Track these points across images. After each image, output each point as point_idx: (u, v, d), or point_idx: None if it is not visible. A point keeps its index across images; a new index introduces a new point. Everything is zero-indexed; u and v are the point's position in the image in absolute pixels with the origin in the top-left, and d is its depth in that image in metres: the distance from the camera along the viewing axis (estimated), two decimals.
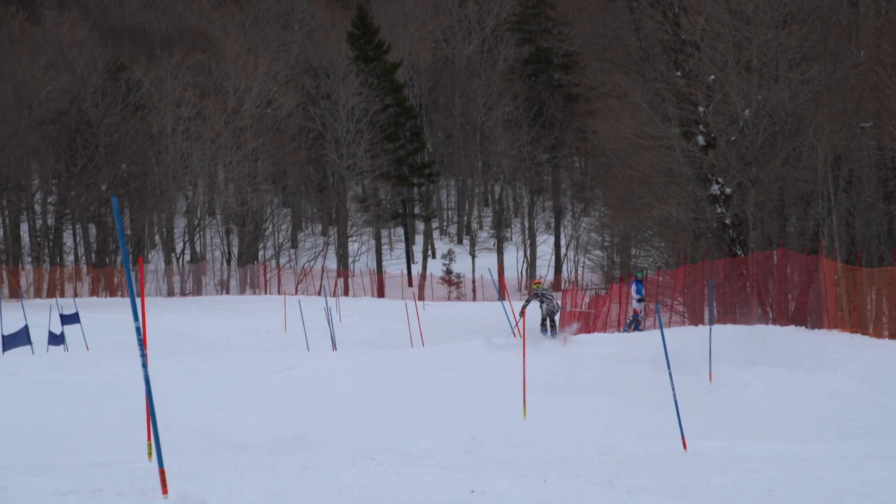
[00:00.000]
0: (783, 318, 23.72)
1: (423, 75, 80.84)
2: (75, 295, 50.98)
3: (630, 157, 33.99)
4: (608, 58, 33.25)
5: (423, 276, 67.93)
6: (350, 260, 68.21)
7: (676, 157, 29.19)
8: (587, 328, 32.52)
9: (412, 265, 75.13)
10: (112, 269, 55.08)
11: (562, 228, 77.63)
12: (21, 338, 22.47)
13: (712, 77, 28.37)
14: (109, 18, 77.92)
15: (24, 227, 60.26)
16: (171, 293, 55.62)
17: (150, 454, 8.92)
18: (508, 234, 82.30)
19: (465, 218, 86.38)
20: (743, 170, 27.88)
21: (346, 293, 62.09)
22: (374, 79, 68.00)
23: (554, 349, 18.86)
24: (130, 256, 50.48)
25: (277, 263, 65.50)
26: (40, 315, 30.65)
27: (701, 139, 28.14)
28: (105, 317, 33.07)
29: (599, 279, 60.72)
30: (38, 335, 25.31)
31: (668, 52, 28.49)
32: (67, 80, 57.08)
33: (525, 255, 73.99)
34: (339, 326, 31.81)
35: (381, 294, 63.55)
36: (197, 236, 63.22)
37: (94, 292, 53.45)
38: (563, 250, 76.63)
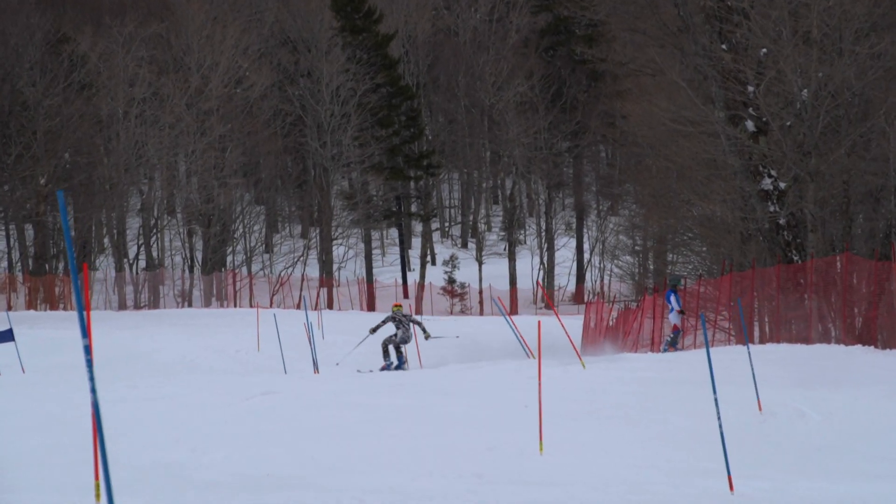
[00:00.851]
0: (848, 337, 23.71)
1: (420, 49, 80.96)
2: (9, 308, 51.03)
3: (666, 146, 34.02)
4: (640, 28, 33.24)
5: (420, 285, 67.95)
6: (335, 267, 68.29)
7: (721, 145, 29.20)
8: (616, 348, 32.52)
9: (408, 273, 75.22)
10: (52, 278, 55.20)
11: (585, 230, 77.70)
12: None
13: (764, 51, 28.41)
14: None
15: None
16: (122, 306, 55.71)
17: (97, 496, 8.93)
18: (522, 237, 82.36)
19: (471, 218, 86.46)
20: (800, 161, 27.89)
21: (329, 306, 62.13)
22: (364, 53, 68.17)
23: (578, 372, 18.87)
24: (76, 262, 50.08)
25: (249, 271, 65.58)
26: None
27: (750, 124, 28.17)
28: (44, 333, 33.09)
29: (629, 290, 60.71)
30: None
31: (711, 21, 28.51)
32: None
33: (541, 262, 74.09)
34: (322, 345, 31.76)
35: (371, 307, 63.59)
36: (154, 239, 63.35)
37: (31, 304, 53.57)
38: (586, 255, 76.68)
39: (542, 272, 73.68)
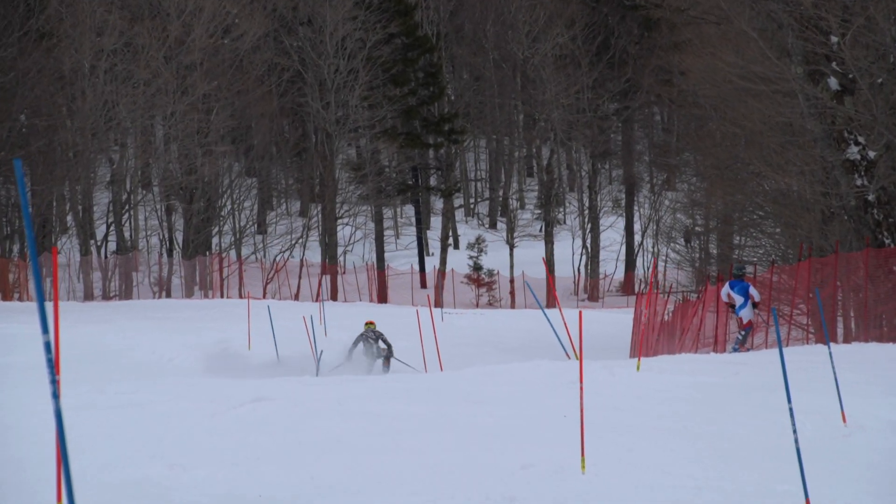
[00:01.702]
0: None
1: None
2: None
3: (732, 108, 33.89)
4: None
5: (441, 273, 68.03)
6: (340, 251, 68.41)
7: (798, 107, 29.05)
8: (670, 347, 32.50)
9: (426, 258, 75.28)
10: (6, 263, 55.38)
11: (636, 207, 77.64)
12: None
13: None
14: None
15: None
16: (89, 296, 55.94)
17: None
18: (561, 216, 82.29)
19: (501, 193, 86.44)
20: (893, 125, 27.73)
21: (333, 297, 62.26)
22: None
23: (627, 376, 18.84)
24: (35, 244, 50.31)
25: (239, 255, 65.79)
26: None
27: (833, 82, 28.00)
28: None
29: (688, 278, 60.61)
30: None
31: None
32: None
33: (584, 245, 74.03)
34: (325, 343, 31.86)
35: (382, 298, 63.73)
36: (126, 217, 63.50)
37: None
38: (637, 238, 76.57)
39: (584, 257, 73.63)
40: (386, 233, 76.95)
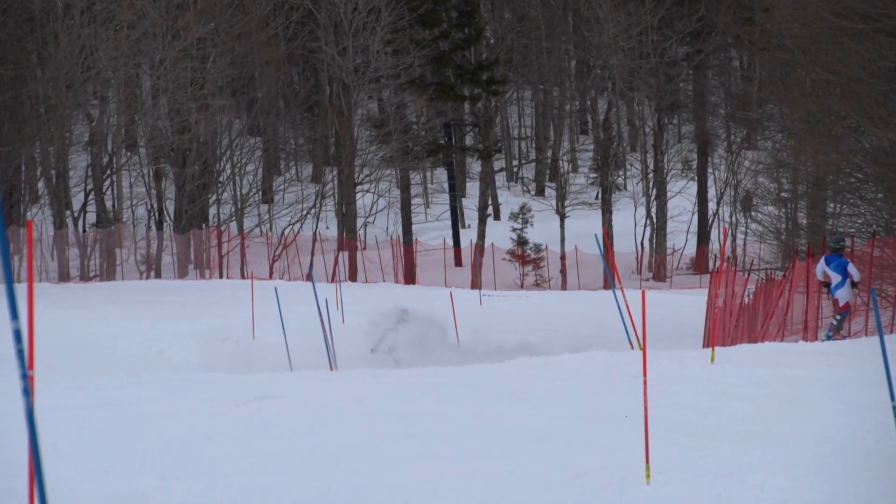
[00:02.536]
0: None
1: None
2: None
3: (825, 51, 33.69)
4: None
5: (479, 248, 68.06)
6: (360, 223, 68.52)
7: None
8: (751, 335, 32.44)
9: (461, 231, 75.29)
10: None
11: (710, 170, 77.37)
12: None
13: None
14: None
15: None
16: (64, 276, 56.20)
17: None
18: (620, 180, 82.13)
19: (550, 154, 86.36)
20: None
21: (352, 277, 62.39)
22: None
23: (699, 368, 18.81)
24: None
25: (240, 228, 66.00)
26: None
27: None
28: None
29: (773, 253, 60.45)
30: None
31: None
32: None
33: (648, 215, 73.88)
34: (342, 331, 31.93)
35: (409, 278, 63.82)
36: (107, 184, 63.76)
37: None
38: (711, 206, 76.37)
39: (648, 229, 73.51)
40: (414, 201, 77.02)
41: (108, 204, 63.61)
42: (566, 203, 72.18)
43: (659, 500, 11.63)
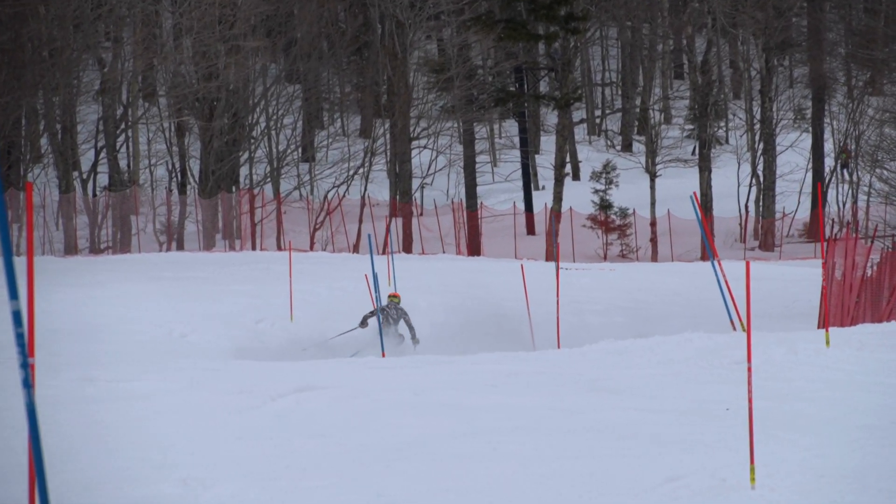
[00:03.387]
0: None
1: None
2: None
3: None
4: None
5: (555, 213, 67.94)
6: (416, 184, 68.58)
7: None
8: (875, 313, 32.33)
9: (534, 193, 75.22)
10: None
11: (827, 120, 76.91)
12: None
13: None
14: None
15: None
16: (71, 249, 56.52)
17: None
18: (722, 133, 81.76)
19: (639, 102, 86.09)
20: None
21: (407, 248, 62.46)
22: None
23: (814, 353, 18.76)
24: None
25: (276, 192, 66.15)
26: None
27: None
28: None
29: None
30: None
31: None
32: None
33: (754, 173, 73.55)
34: None
35: (473, 249, 63.89)
36: (122, 140, 64.05)
37: None
38: (828, 162, 75.94)
39: (754, 190, 73.20)
40: (479, 159, 76.95)
41: (123, 164, 63.84)
42: (657, 160, 71.89)
43: None
